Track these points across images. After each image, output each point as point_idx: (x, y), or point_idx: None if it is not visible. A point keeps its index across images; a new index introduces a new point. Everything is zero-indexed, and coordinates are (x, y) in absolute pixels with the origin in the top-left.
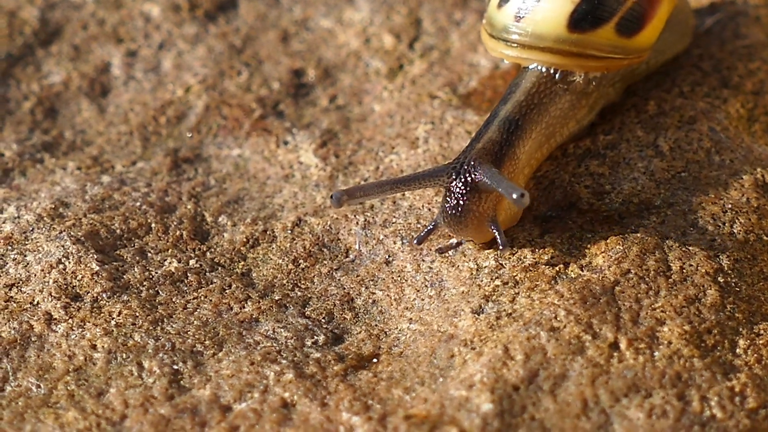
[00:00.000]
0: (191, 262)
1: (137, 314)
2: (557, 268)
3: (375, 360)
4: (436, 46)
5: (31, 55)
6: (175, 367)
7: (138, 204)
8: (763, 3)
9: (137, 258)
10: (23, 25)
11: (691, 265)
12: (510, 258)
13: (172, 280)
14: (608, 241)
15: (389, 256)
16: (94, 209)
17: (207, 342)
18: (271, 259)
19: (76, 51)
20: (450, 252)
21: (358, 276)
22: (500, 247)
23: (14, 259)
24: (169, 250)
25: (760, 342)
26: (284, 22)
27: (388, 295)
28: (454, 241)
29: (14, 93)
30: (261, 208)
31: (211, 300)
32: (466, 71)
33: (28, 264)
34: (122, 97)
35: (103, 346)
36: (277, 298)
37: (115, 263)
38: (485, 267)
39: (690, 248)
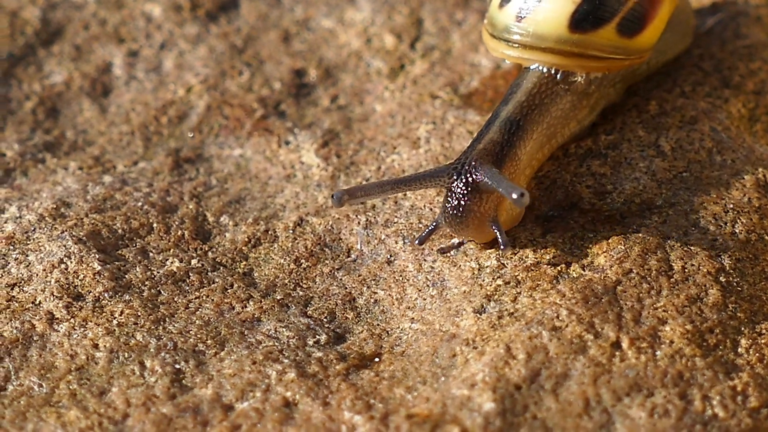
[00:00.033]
0: (193, 261)
1: (139, 314)
2: (559, 268)
3: (377, 359)
4: (438, 46)
5: (33, 55)
6: (177, 366)
7: (140, 204)
8: (763, 3)
9: (139, 258)
10: (25, 25)
11: (692, 265)
12: (512, 258)
13: (174, 279)
14: (610, 240)
15: (391, 256)
16: (95, 209)
17: (209, 341)
18: (273, 258)
19: (78, 51)
20: (452, 252)
21: (359, 275)
22: (501, 247)
23: (16, 259)
24: (171, 250)
25: (762, 341)
26: (285, 22)
27: (389, 294)
28: (455, 241)
29: (16, 93)
30: (263, 208)
31: (212, 299)
32: (467, 71)
33: (29, 264)
34: (124, 97)
35: (105, 346)
36: (278, 297)
37: (116, 263)
38: (487, 266)
39: (692, 248)
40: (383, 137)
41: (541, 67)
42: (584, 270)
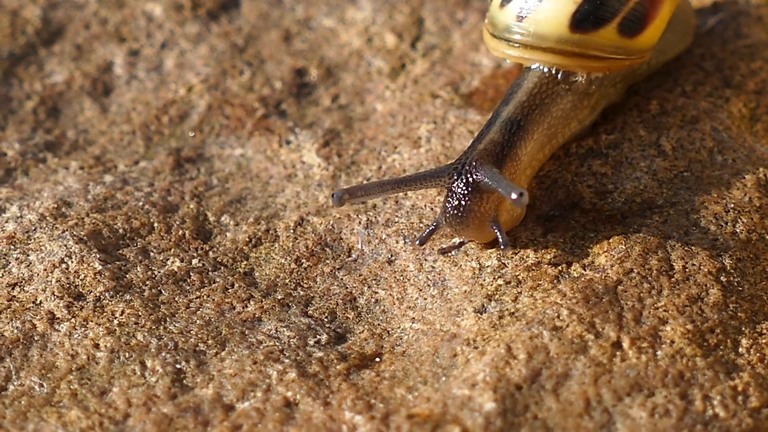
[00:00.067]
0: (194, 261)
1: (140, 313)
2: (560, 268)
3: (378, 359)
4: (438, 45)
5: (34, 55)
6: (178, 366)
7: (140, 203)
8: (764, 2)
9: (140, 257)
10: (26, 25)
11: (693, 265)
12: (513, 257)
13: (175, 279)
14: (611, 240)
15: (392, 256)
16: (96, 209)
17: (210, 341)
18: (274, 258)
19: (79, 50)
20: (452, 251)
21: (360, 275)
22: (502, 247)
23: (17, 259)
24: (172, 250)
25: (763, 341)
26: (286, 21)
27: (390, 294)
28: (456, 240)
29: (17, 92)
30: (263, 207)
31: (213, 299)
32: (468, 71)
33: (30, 263)
34: (125, 97)
35: (105, 346)
36: (279, 297)
37: (117, 263)
38: (488, 266)
39: (692, 248)
40: (384, 137)
41: (541, 67)
42: (585, 270)
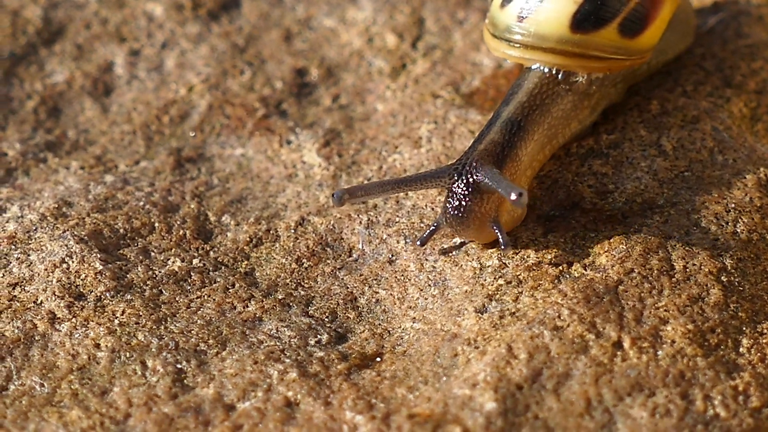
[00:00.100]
0: (194, 261)
1: (141, 313)
2: (560, 268)
3: (378, 359)
4: (439, 45)
5: (34, 55)
6: (179, 366)
7: (141, 203)
8: (765, 2)
9: (140, 257)
10: (26, 25)
11: (694, 265)
12: (513, 257)
13: (176, 279)
14: (611, 240)
15: (392, 256)
16: (97, 208)
17: (210, 341)
18: (275, 258)
19: (79, 50)
20: (453, 251)
21: (361, 275)
22: (502, 247)
23: (18, 259)
24: (173, 250)
25: (764, 341)
26: (287, 21)
27: (391, 294)
28: (457, 241)
29: (17, 92)
30: (264, 207)
31: (214, 299)
32: (468, 70)
33: (31, 263)
34: (125, 97)
35: (106, 345)
36: (280, 297)
37: (118, 262)
38: (488, 266)
39: (693, 247)
40: (385, 137)
41: (542, 68)
42: (586, 269)
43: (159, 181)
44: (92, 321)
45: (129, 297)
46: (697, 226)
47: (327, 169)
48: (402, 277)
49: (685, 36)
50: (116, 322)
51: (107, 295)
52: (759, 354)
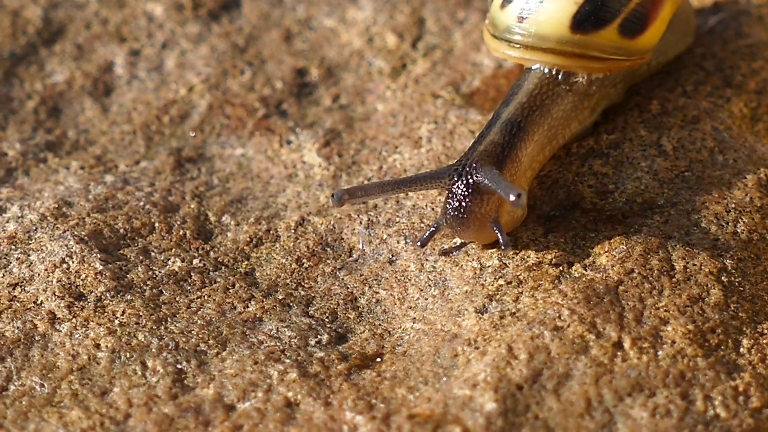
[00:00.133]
0: (195, 261)
1: (141, 313)
2: (561, 268)
3: (379, 359)
4: (439, 45)
5: (35, 55)
6: (179, 366)
7: (141, 203)
8: (765, 2)
9: (141, 257)
10: (26, 25)
11: (694, 265)
12: (513, 257)
13: (176, 279)
14: (612, 240)
15: (393, 256)
16: (97, 209)
17: (210, 341)
18: (275, 258)
19: (80, 50)
20: (453, 251)
21: (361, 275)
22: (503, 248)
23: (18, 259)
24: (173, 250)
25: (764, 341)
26: (287, 21)
27: (391, 294)
28: (457, 241)
29: (17, 92)
30: (264, 207)
31: (214, 299)
32: (469, 70)
33: (31, 263)
34: (125, 97)
35: (106, 346)
36: (280, 297)
37: (118, 262)
38: (489, 266)
39: (693, 248)
40: (385, 137)
41: (542, 68)
42: (586, 270)
43: (159, 181)
44: (92, 321)
45: (129, 297)
46: (697, 226)
47: (327, 169)
48: (402, 278)
49: (685, 36)
50: (116, 322)
51: (107, 295)
52: (759, 354)
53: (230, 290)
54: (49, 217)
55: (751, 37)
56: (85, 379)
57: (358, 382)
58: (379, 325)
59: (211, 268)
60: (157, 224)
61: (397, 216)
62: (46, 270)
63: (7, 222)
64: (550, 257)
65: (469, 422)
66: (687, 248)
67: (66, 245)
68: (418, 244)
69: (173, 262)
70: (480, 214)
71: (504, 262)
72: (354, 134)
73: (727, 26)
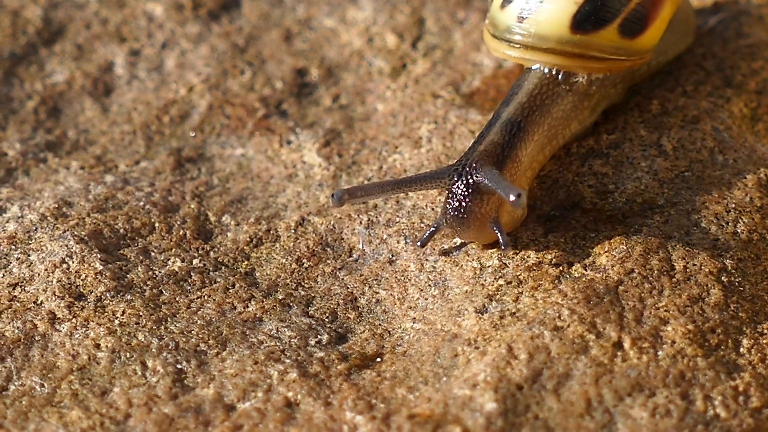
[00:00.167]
0: (195, 261)
1: (141, 313)
2: (561, 268)
3: (379, 359)
4: (439, 45)
5: (35, 55)
6: (179, 366)
7: (141, 203)
8: (765, 2)
9: (141, 257)
10: (26, 25)
11: (694, 265)
12: (513, 257)
13: (176, 279)
14: (612, 240)
15: (393, 256)
16: (97, 209)
17: (211, 341)
18: (275, 258)
19: (80, 50)
20: (453, 251)
21: (361, 275)
22: (502, 248)
23: (18, 259)
24: (173, 250)
25: (764, 341)
26: (287, 21)
27: (391, 294)
28: (457, 241)
29: (18, 92)
30: (264, 207)
31: (214, 299)
32: (469, 70)
33: (31, 263)
34: (125, 97)
35: (106, 346)
36: (280, 297)
37: (118, 263)
38: (489, 266)
39: (693, 248)
40: (385, 137)
41: (542, 68)
42: (586, 270)
43: (159, 181)
44: (92, 321)
45: (129, 297)
46: (697, 226)
47: (327, 169)
48: (402, 278)
49: (685, 36)
50: (116, 322)
51: (107, 295)
52: (759, 354)
53: (230, 290)
54: (49, 217)
55: (751, 37)
56: (85, 379)
57: (358, 382)
58: (379, 325)
59: (211, 268)
60: (157, 224)
61: (397, 216)
62: (46, 270)
63: (7, 222)
64: (550, 257)
65: (469, 422)
66: (687, 248)
67: (66, 245)
68: (418, 244)
69: (173, 262)
70: (480, 214)
71: (504, 262)
72: (354, 134)
73: (727, 26)
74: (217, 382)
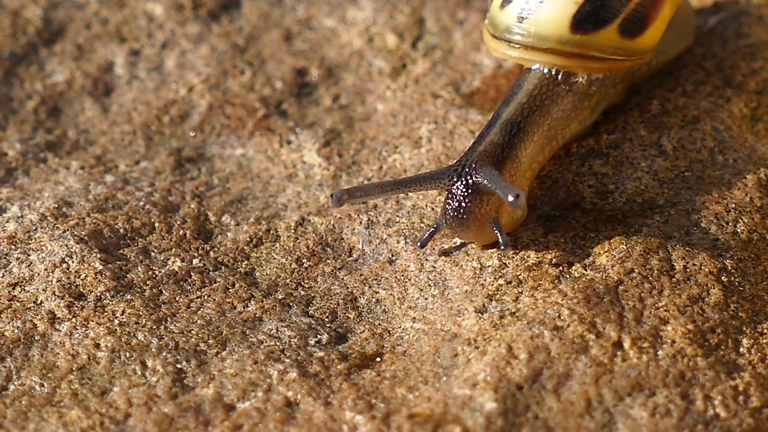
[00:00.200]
0: (194, 261)
1: (141, 313)
2: (561, 268)
3: (378, 359)
4: (439, 45)
5: (35, 55)
6: (179, 366)
7: (141, 203)
8: (765, 2)
9: (141, 257)
10: (26, 25)
11: (694, 265)
12: (513, 257)
13: (176, 279)
14: (612, 240)
15: (392, 256)
16: (97, 208)
17: (210, 341)
18: (275, 258)
19: (80, 50)
20: (453, 251)
21: (361, 275)
22: (502, 248)
23: (18, 259)
24: (173, 250)
25: (764, 341)
26: (287, 21)
27: (391, 294)
28: (457, 241)
29: (18, 92)
30: (264, 207)
31: (214, 299)
32: (469, 70)
33: (31, 263)
34: (125, 97)
35: (106, 345)
36: (280, 297)
37: (118, 262)
38: (489, 266)
39: (693, 248)
40: (385, 137)
41: (542, 68)
42: (586, 270)
43: (159, 181)
44: (92, 321)
45: (129, 297)
46: (697, 226)
47: (327, 169)
48: (402, 277)
49: (685, 36)
50: (116, 322)
51: (107, 295)
52: (759, 354)
53: (230, 290)
54: (49, 217)
55: (751, 37)
56: (84, 378)
57: (358, 381)
58: (379, 324)
59: (211, 268)
60: (157, 224)
61: (397, 216)
62: (46, 270)
63: (7, 222)
64: (550, 257)
65: (469, 422)
66: (687, 248)
67: (66, 245)
68: (418, 244)
69: (173, 262)
70: (480, 214)
71: (504, 262)
72: (354, 134)
73: (727, 26)
74: (216, 381)
